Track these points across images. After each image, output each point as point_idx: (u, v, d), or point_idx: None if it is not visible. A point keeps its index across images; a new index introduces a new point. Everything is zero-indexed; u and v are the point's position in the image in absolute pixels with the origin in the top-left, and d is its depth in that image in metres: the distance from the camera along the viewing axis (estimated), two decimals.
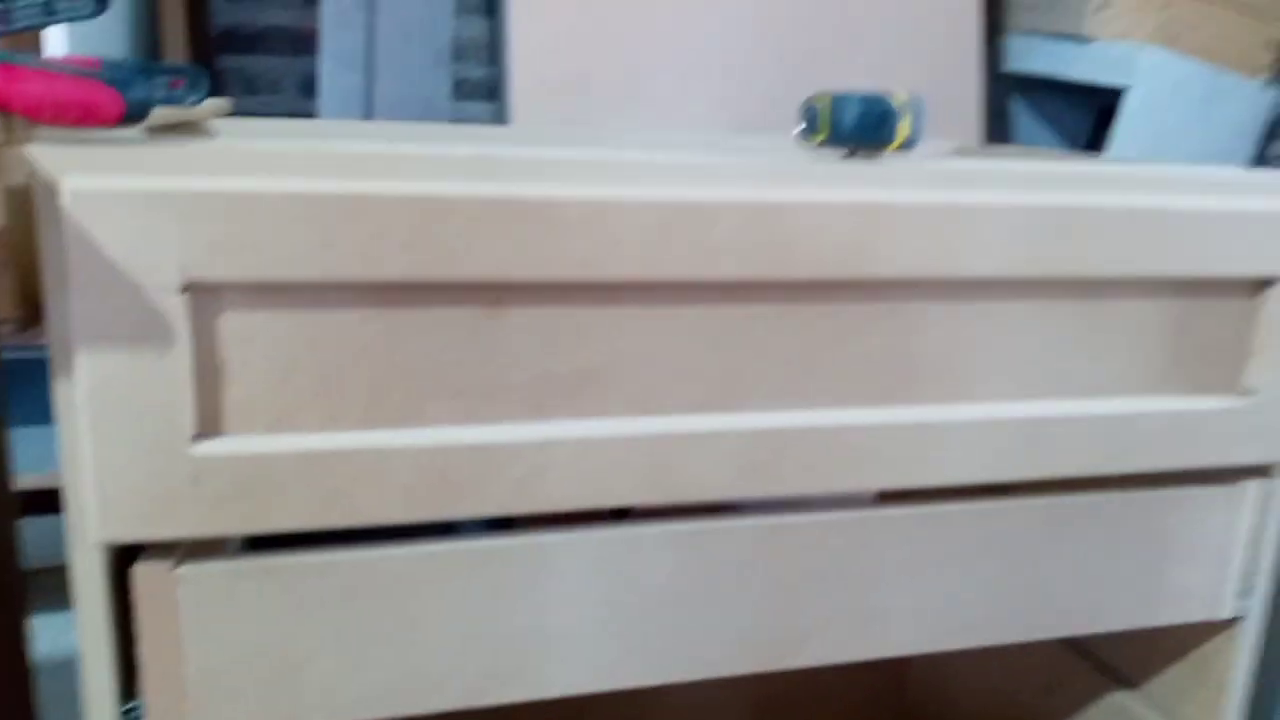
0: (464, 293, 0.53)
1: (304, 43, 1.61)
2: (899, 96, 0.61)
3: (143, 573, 0.52)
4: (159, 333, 0.49)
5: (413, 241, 0.51)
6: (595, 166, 0.54)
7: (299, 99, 1.71)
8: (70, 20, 0.57)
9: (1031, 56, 1.62)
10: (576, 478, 0.57)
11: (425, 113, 1.45)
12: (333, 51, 1.21)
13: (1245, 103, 1.51)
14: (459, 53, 1.66)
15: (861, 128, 0.60)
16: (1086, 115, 1.73)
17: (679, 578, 0.61)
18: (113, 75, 0.48)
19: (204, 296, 0.50)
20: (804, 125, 0.62)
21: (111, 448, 0.49)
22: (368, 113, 1.42)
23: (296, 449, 0.52)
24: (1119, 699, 0.87)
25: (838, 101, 0.60)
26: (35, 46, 1.21)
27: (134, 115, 0.49)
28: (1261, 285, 0.68)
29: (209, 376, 0.51)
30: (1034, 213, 0.61)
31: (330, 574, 0.55)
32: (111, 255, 0.47)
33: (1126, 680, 0.88)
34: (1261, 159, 1.59)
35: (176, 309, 0.49)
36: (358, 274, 0.50)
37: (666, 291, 0.57)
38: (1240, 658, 0.77)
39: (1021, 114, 1.75)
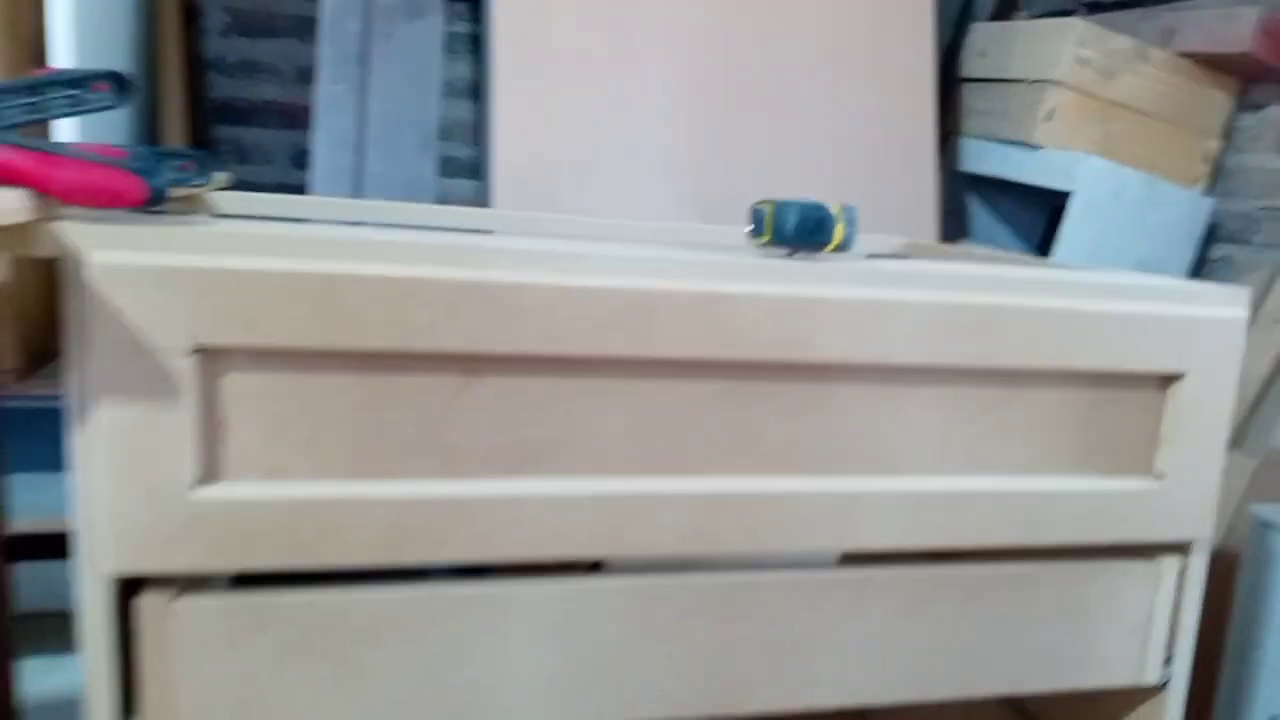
0: (440, 363, 0.60)
1: (295, 117, 1.70)
2: (835, 205, 0.69)
3: (144, 605, 0.57)
4: (168, 390, 0.55)
5: (393, 318, 0.57)
6: (557, 256, 0.61)
7: (289, 169, 1.80)
8: (97, 110, 0.64)
9: (985, 159, 1.73)
10: (539, 532, 0.63)
11: (412, 190, 1.53)
12: (326, 131, 1.29)
13: (1182, 209, 1.62)
14: (446, 133, 1.76)
15: (801, 231, 0.68)
16: (1040, 214, 1.84)
17: (632, 628, 0.67)
18: (138, 164, 0.55)
19: (210, 359, 0.56)
20: (752, 227, 0.70)
21: (122, 490, 0.55)
22: (357, 188, 1.50)
23: (287, 496, 0.58)
24: None
25: (780, 207, 0.68)
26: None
27: (155, 199, 0.56)
28: (1167, 380, 0.75)
29: (211, 429, 0.57)
30: (952, 309, 0.68)
31: (310, 613, 0.61)
32: (130, 321, 0.54)
33: None
34: (1200, 261, 1.70)
35: (185, 370, 0.55)
36: (344, 343, 0.57)
37: (618, 368, 0.64)
38: None
39: (979, 212, 1.85)
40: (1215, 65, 1.62)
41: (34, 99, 0.62)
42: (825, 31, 1.57)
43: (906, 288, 0.68)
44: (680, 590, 0.67)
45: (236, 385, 0.57)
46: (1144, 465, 0.76)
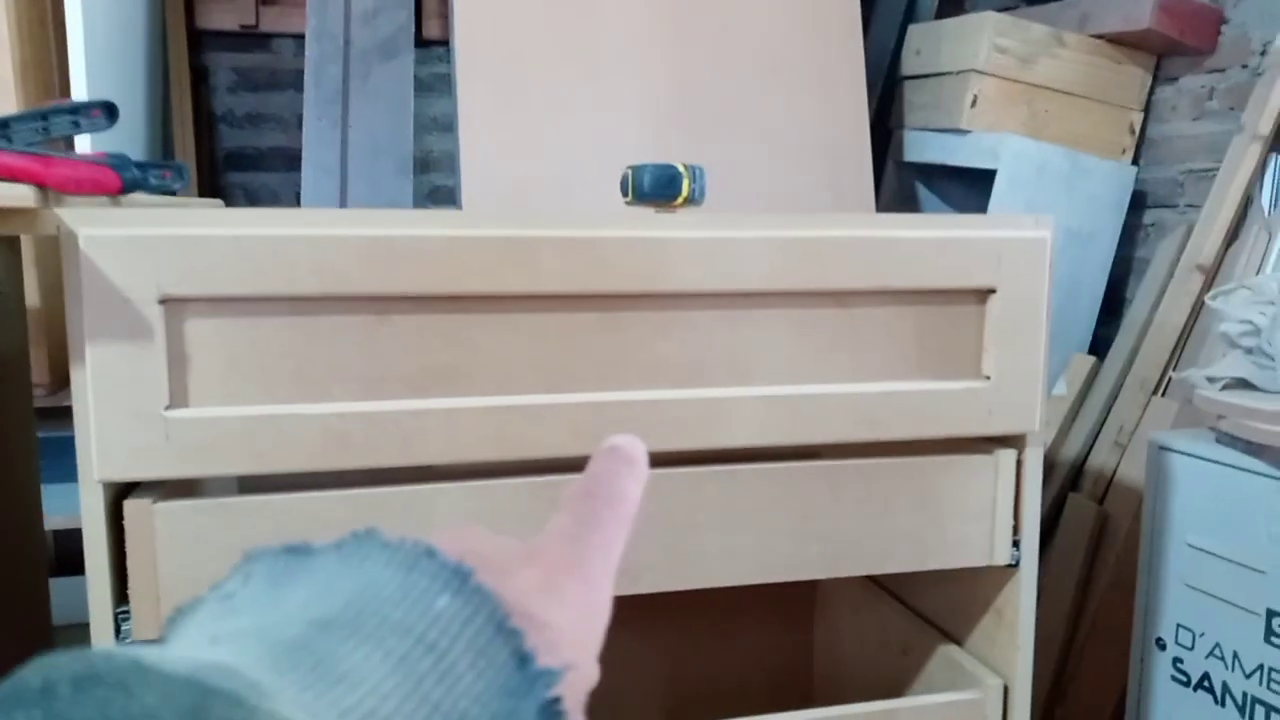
0: (359, 305, 0.76)
1: (298, 160, 1.89)
2: (682, 165, 0.84)
3: (131, 508, 0.73)
4: (143, 332, 0.71)
5: (318, 269, 0.73)
6: (454, 214, 0.77)
7: (295, 207, 1.99)
8: (92, 131, 0.81)
9: (925, 148, 1.87)
10: (449, 440, 0.78)
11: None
12: (313, 163, 1.47)
13: (1107, 179, 1.75)
14: (432, 164, 1.94)
15: (655, 186, 0.83)
16: (983, 197, 1.97)
17: (534, 520, 0.81)
18: (114, 162, 0.72)
19: (174, 307, 0.72)
20: (621, 191, 0.86)
21: (109, 413, 0.71)
22: None
23: (239, 415, 0.74)
24: (951, 652, 1.05)
25: (636, 170, 0.83)
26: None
27: (129, 188, 0.73)
28: (984, 294, 0.89)
29: (178, 364, 0.73)
30: (786, 241, 0.83)
31: (265, 513, 0.76)
32: (111, 279, 0.70)
33: (955, 638, 1.05)
34: (1133, 228, 1.82)
35: (155, 316, 0.71)
36: (280, 291, 0.73)
37: (511, 302, 0.79)
38: (1023, 599, 0.95)
39: (927, 197, 1.99)
40: (1128, 44, 1.75)
41: (45, 123, 0.79)
42: (768, 44, 1.73)
43: (746, 227, 0.82)
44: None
45: (197, 329, 0.73)
46: (973, 369, 0.89)
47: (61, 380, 1.37)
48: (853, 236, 0.84)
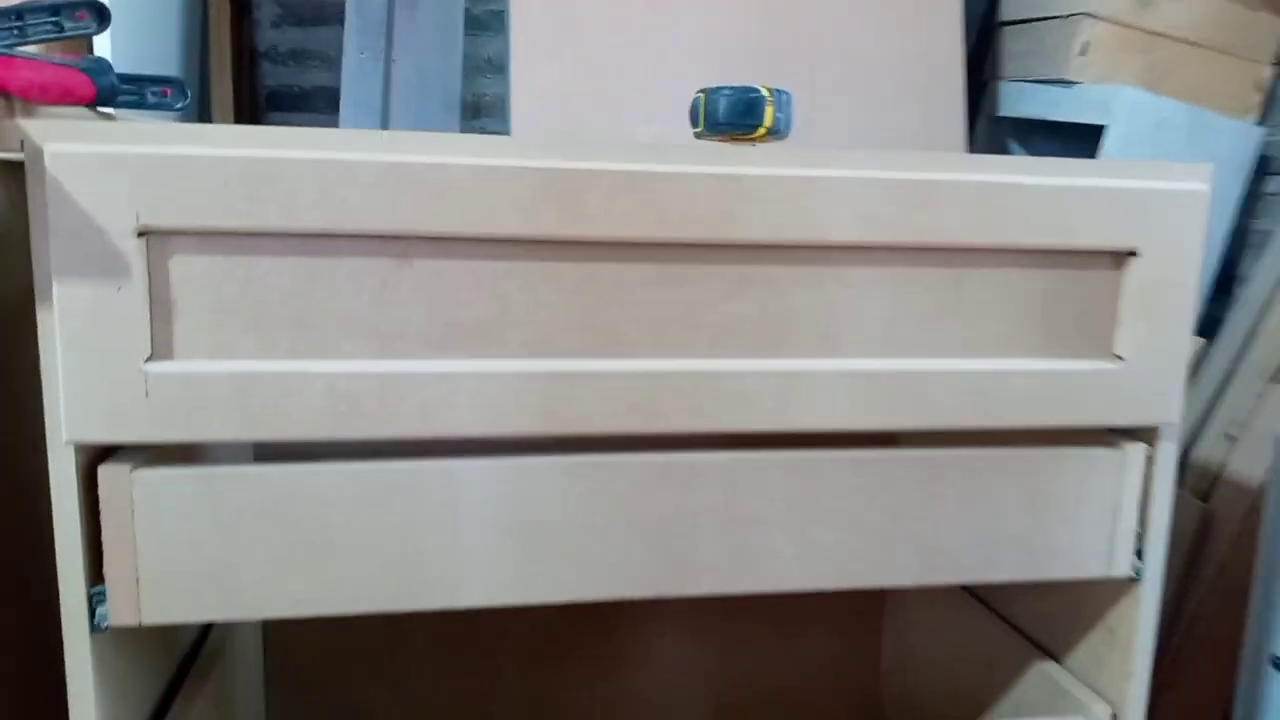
0: (373, 245, 0.64)
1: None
2: (765, 88, 0.70)
3: (106, 474, 0.63)
4: (120, 269, 0.60)
5: (323, 199, 0.61)
6: (482, 140, 0.64)
7: None
8: (78, 36, 0.70)
9: (1023, 101, 1.69)
10: (476, 409, 0.66)
11: None
12: (352, 100, 1.35)
13: (1231, 140, 1.56)
14: (483, 109, 1.81)
15: (731, 113, 0.69)
16: (1084, 157, 1.79)
17: (575, 505, 0.69)
18: (87, 65, 0.60)
19: (156, 241, 0.61)
20: (691, 120, 0.72)
21: (80, 364, 0.60)
22: None
23: (230, 371, 0.62)
24: (1047, 669, 0.91)
25: (711, 93, 0.70)
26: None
27: (104, 98, 0.61)
28: (1123, 257, 0.74)
29: (161, 310, 0.62)
30: (887, 184, 0.69)
31: (261, 485, 0.65)
32: (81, 204, 0.59)
33: (1053, 653, 0.92)
34: (1254, 196, 1.63)
35: (133, 250, 0.60)
36: (277, 225, 0.61)
37: (550, 249, 0.66)
38: (1142, 618, 0.81)
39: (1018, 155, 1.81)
40: None
41: (18, 24, 0.68)
42: None
43: (839, 165, 0.69)
44: (623, 467, 0.70)
45: (182, 268, 0.62)
46: (1103, 348, 0.75)
47: None
48: (967, 181, 0.70)
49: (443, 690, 1.15)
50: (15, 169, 1.01)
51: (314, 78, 1.82)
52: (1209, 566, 1.47)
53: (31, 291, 0.90)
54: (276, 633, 1.09)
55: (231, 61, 1.66)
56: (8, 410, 0.84)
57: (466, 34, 1.68)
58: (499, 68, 1.82)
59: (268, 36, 1.83)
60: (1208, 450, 1.51)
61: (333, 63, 1.83)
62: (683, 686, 1.17)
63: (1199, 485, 1.52)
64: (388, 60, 1.37)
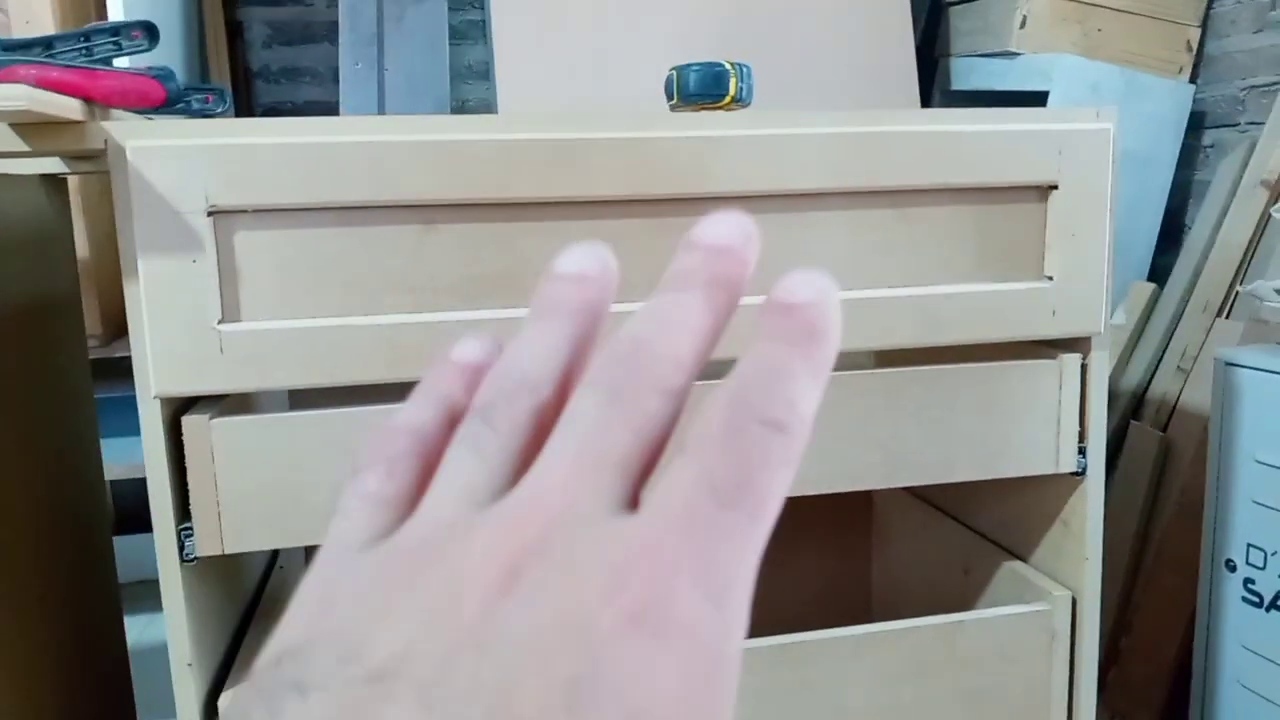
0: (406, 213, 0.75)
1: (335, 113, 1.89)
2: (729, 62, 0.82)
3: (189, 423, 0.73)
4: (194, 245, 0.71)
5: (367, 174, 0.72)
6: (500, 117, 0.76)
7: None
8: (134, 53, 0.81)
9: (972, 74, 1.82)
10: None
11: None
12: (350, 107, 1.46)
13: (1164, 99, 1.69)
14: (468, 113, 1.92)
15: (701, 84, 0.81)
16: None
17: None
18: (158, 73, 0.71)
19: (223, 219, 0.72)
20: (666, 94, 0.83)
21: (163, 328, 0.71)
22: None
23: (290, 328, 0.73)
24: (1015, 568, 1.02)
25: (681, 69, 0.81)
26: None
27: (172, 100, 0.72)
28: (1045, 191, 0.86)
29: (229, 277, 0.73)
30: (842, 137, 0.80)
31: (323, 426, 0.76)
32: (159, 190, 0.70)
33: (1019, 554, 1.03)
34: (1190, 149, 1.76)
35: (205, 228, 0.71)
36: (327, 199, 0.72)
37: (558, 209, 0.77)
38: (1090, 509, 0.93)
39: None
40: None
41: (86, 44, 0.79)
42: None
43: (799, 124, 0.80)
44: None
45: (246, 240, 0.73)
46: (1035, 270, 0.87)
47: (116, 330, 1.38)
48: (909, 131, 0.82)
49: None
50: (58, 183, 1.11)
51: (306, 93, 1.93)
52: (1170, 491, 1.59)
53: (73, 294, 1.01)
54: None
55: (229, 81, 1.76)
56: (53, 405, 0.94)
57: (449, 43, 1.79)
58: (480, 73, 1.93)
59: (260, 56, 1.94)
60: (1164, 385, 1.64)
61: (323, 78, 1.94)
62: None
63: (1158, 418, 1.64)
64: (380, 69, 1.48)
